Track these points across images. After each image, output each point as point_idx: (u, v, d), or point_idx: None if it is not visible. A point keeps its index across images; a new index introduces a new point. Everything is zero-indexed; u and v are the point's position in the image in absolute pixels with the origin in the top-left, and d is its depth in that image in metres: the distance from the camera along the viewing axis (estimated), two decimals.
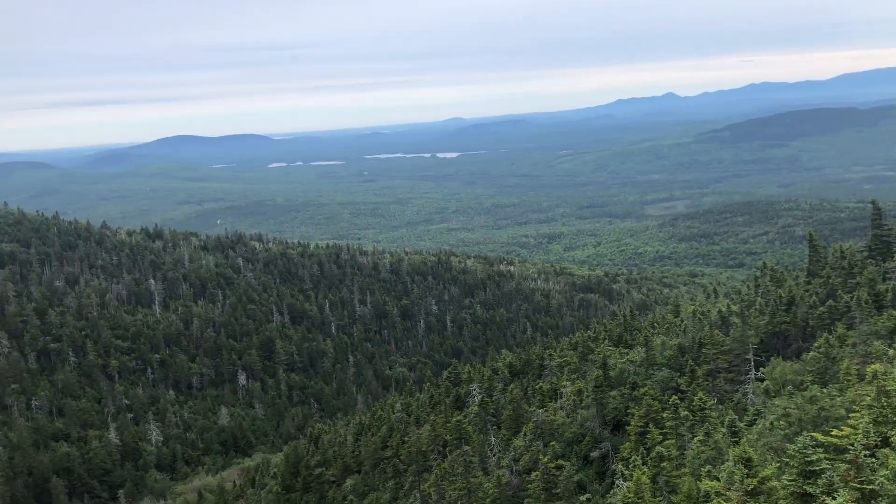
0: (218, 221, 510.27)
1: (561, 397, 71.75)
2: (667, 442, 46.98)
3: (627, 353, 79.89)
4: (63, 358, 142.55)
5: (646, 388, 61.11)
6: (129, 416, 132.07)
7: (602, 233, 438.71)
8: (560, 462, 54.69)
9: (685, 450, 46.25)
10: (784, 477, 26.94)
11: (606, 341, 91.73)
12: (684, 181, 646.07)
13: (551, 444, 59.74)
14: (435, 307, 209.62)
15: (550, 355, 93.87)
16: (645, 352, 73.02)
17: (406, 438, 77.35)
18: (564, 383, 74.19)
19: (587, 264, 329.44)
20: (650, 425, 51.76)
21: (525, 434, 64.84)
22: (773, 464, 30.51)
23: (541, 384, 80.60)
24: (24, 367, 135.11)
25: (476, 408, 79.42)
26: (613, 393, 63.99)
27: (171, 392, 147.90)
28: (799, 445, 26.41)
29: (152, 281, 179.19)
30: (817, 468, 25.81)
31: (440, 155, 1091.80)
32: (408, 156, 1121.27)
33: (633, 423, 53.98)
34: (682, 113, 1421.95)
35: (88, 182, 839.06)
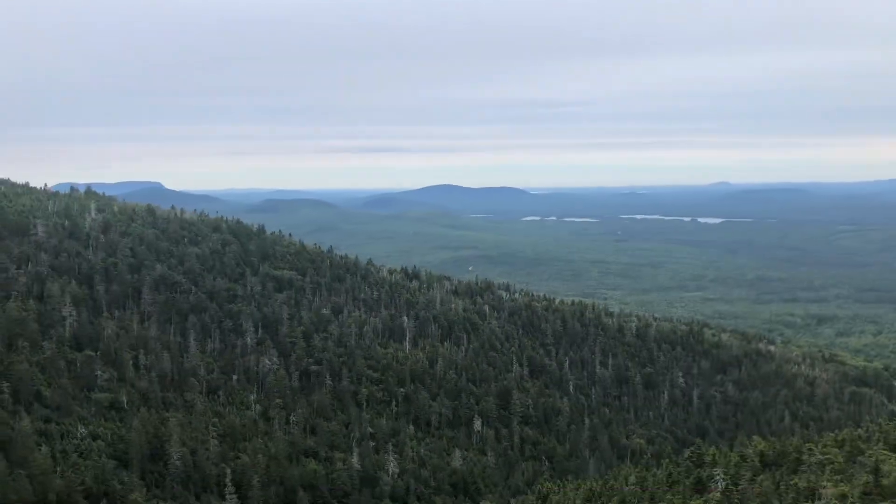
0: (470, 268, 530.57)
1: (819, 498, 64.01)
2: None
3: None
4: (321, 380, 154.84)
5: None
6: (372, 444, 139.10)
7: (885, 321, 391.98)
8: None
9: None
10: None
11: (881, 444, 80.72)
12: None
13: None
14: (681, 380, 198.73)
15: (810, 450, 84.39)
16: None
17: None
18: (825, 484, 66.16)
19: (863, 354, 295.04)
20: None
21: None
22: None
23: (796, 480, 72.46)
24: (288, 384, 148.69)
25: (719, 494, 73.23)
26: (885, 503, 55.62)
27: (411, 427, 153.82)
28: None
29: (405, 318, 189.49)
30: None
31: (701, 220, 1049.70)
32: (666, 218, 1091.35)
33: None
34: None
35: (361, 222, 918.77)
